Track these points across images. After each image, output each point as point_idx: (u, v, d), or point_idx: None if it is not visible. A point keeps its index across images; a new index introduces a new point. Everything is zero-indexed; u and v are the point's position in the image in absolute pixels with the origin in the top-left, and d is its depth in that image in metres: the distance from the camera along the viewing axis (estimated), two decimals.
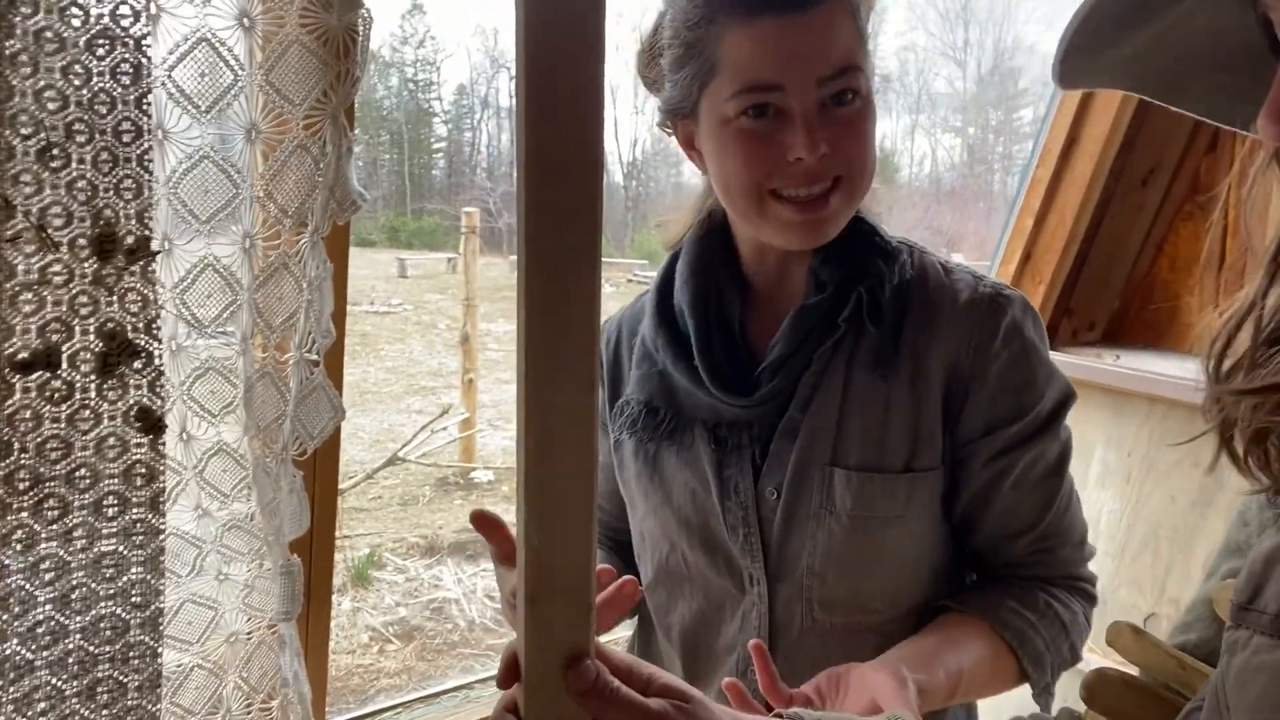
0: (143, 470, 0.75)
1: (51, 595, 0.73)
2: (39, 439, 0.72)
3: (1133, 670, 0.56)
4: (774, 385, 0.94)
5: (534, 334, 0.46)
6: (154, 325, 0.76)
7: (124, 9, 0.75)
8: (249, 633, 1.09)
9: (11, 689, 0.72)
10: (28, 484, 0.72)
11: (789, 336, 0.94)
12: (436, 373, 10.41)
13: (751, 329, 1.00)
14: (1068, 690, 0.82)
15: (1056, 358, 1.76)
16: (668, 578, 1.04)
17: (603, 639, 0.58)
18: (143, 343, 0.75)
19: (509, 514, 0.93)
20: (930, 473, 0.93)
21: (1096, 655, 1.57)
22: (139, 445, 0.75)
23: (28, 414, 0.71)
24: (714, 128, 0.90)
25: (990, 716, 0.99)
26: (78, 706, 0.75)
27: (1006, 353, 0.92)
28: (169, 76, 0.85)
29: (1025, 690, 0.94)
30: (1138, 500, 1.80)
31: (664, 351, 0.99)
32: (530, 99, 0.43)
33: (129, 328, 0.74)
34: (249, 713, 1.12)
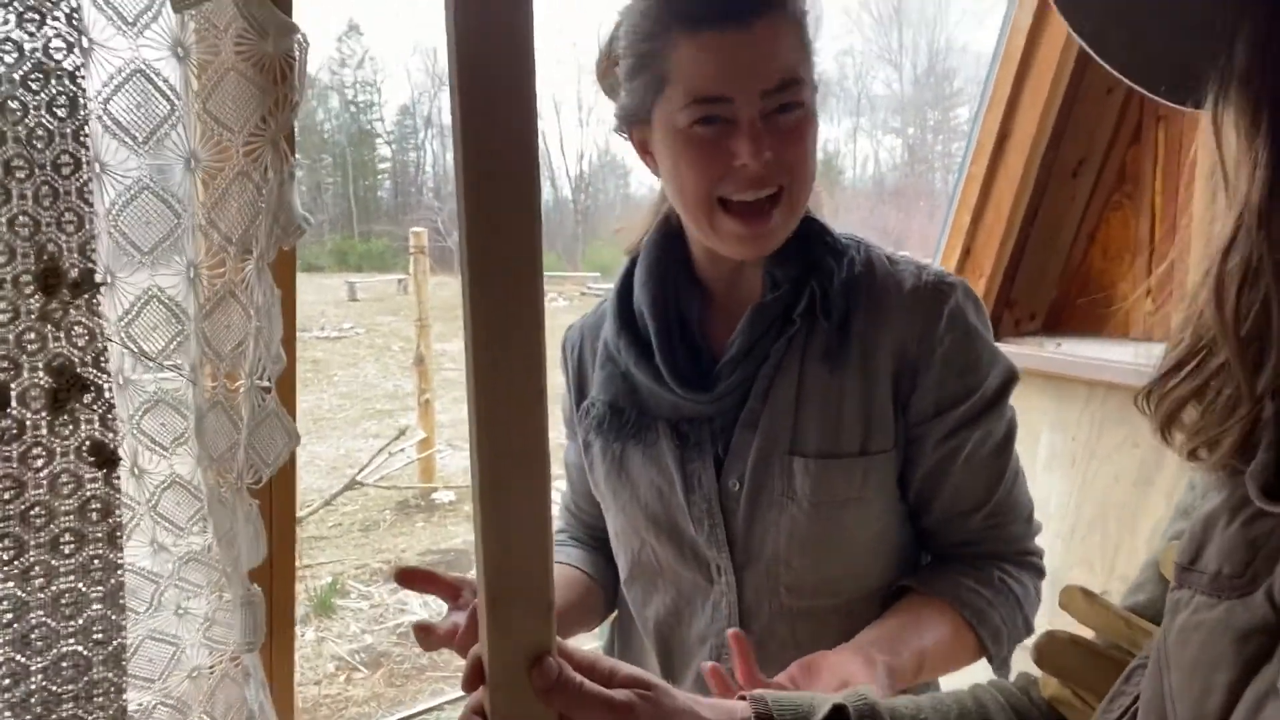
0: (98, 505, 0.75)
1: (10, 636, 0.72)
2: None
3: (1086, 632, 0.59)
4: (733, 380, 0.98)
5: (482, 349, 0.47)
6: (102, 358, 0.75)
7: (57, 42, 0.75)
8: (211, 666, 1.08)
9: None
10: None
11: (747, 332, 0.98)
12: (392, 395, 10.30)
13: (709, 328, 1.04)
14: (1020, 653, 0.85)
15: (1001, 348, 1.79)
16: (641, 573, 1.07)
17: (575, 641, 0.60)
18: (92, 376, 0.74)
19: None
20: (884, 455, 0.97)
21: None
22: (93, 480, 0.75)
23: None
24: (666, 135, 0.94)
25: (950, 682, 1.02)
26: None
27: (950, 337, 0.96)
28: (105, 109, 0.84)
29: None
30: (1084, 482, 1.85)
31: (626, 353, 1.02)
32: (465, 115, 0.45)
33: (77, 362, 0.74)
34: None
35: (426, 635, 0.86)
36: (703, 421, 1.00)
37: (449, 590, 0.92)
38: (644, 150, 1.00)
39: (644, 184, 1.06)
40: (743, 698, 0.62)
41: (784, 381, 0.97)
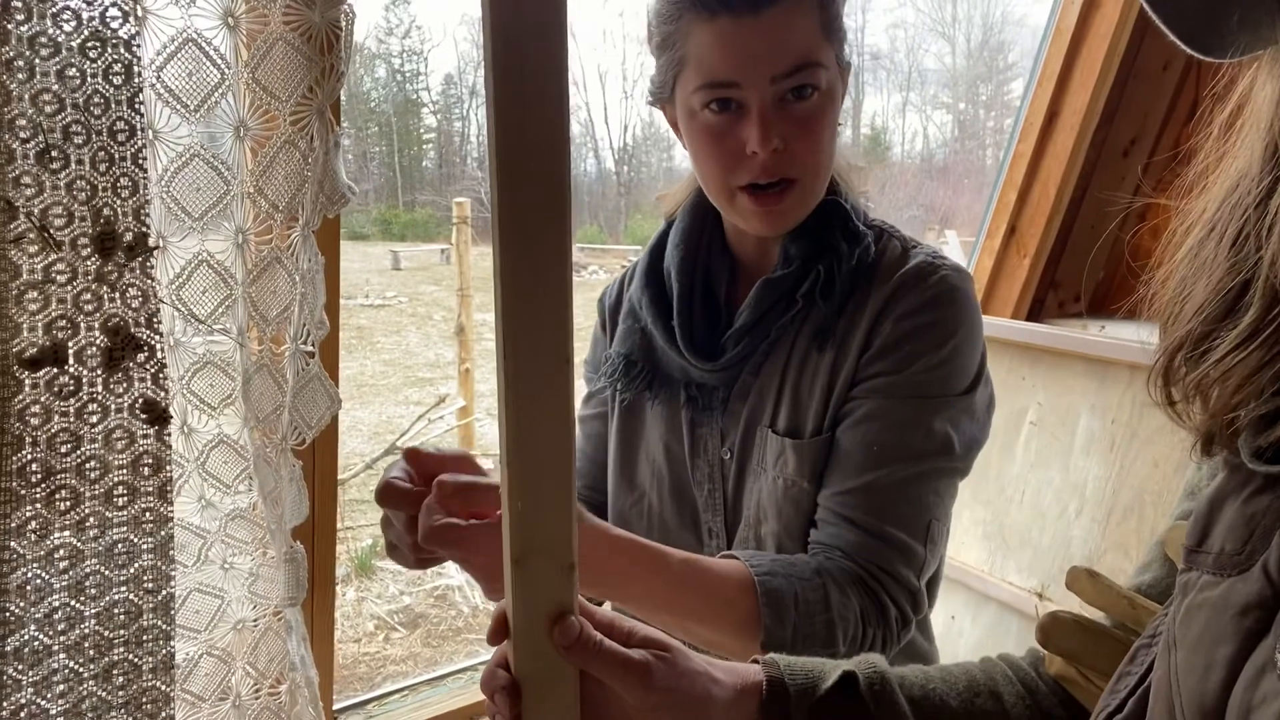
0: (150, 460, 0.78)
1: (66, 583, 0.76)
2: (49, 433, 0.75)
3: (1096, 613, 0.59)
4: (738, 351, 0.99)
5: (511, 313, 0.49)
6: (155, 319, 0.78)
7: (113, 11, 0.77)
8: (255, 619, 1.12)
9: (31, 673, 0.75)
10: (40, 476, 0.74)
11: (754, 306, 0.99)
12: (433, 364, 10.42)
13: (734, 298, 1.05)
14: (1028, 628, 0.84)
15: (1042, 329, 1.76)
16: (630, 524, 1.09)
17: None
18: (145, 336, 0.77)
19: None
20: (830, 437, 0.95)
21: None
22: (145, 436, 0.78)
23: (37, 409, 0.74)
24: (684, 118, 0.95)
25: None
26: (94, 688, 0.77)
27: (912, 321, 0.92)
28: (158, 77, 0.86)
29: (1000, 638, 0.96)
30: (1122, 466, 1.83)
31: (646, 310, 1.05)
32: (499, 86, 0.46)
33: (131, 322, 0.77)
34: (258, 697, 1.15)
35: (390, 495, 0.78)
36: (712, 388, 1.02)
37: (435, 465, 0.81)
38: (675, 125, 1.01)
39: (687, 157, 1.07)
40: (755, 660, 0.63)
41: (777, 357, 0.99)
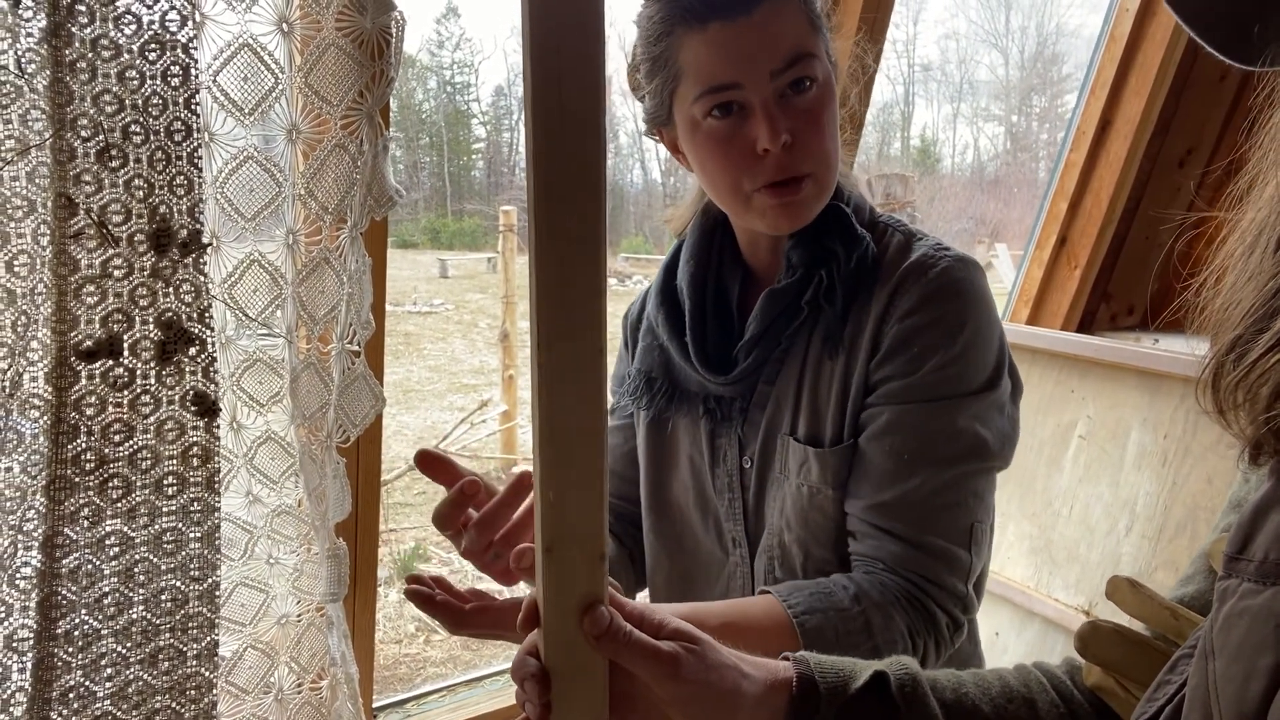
0: (199, 452, 0.80)
1: (116, 569, 0.78)
2: (103, 423, 0.77)
3: (1136, 624, 0.58)
4: (749, 363, 0.99)
5: (545, 302, 0.50)
6: (207, 314, 0.80)
7: (172, 15, 0.80)
8: (299, 615, 1.14)
9: (80, 656, 0.77)
10: (93, 465, 0.77)
11: (760, 317, 0.99)
12: (478, 370, 10.52)
13: (748, 308, 1.05)
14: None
15: (1091, 340, 1.72)
16: (661, 536, 1.10)
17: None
18: (196, 331, 0.79)
19: None
20: (851, 446, 0.95)
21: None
22: (195, 428, 0.80)
23: (93, 399, 0.76)
24: (687, 131, 0.96)
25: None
26: (140, 672, 0.79)
27: (916, 319, 0.91)
28: (214, 82, 0.89)
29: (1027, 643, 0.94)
30: (1174, 482, 1.78)
31: (662, 327, 1.06)
32: (536, 88, 0.47)
33: (184, 317, 0.79)
34: (299, 692, 1.17)
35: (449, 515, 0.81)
36: (730, 400, 1.03)
37: (457, 477, 0.82)
38: (675, 149, 1.01)
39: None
40: (786, 657, 0.63)
41: (792, 365, 0.99)
